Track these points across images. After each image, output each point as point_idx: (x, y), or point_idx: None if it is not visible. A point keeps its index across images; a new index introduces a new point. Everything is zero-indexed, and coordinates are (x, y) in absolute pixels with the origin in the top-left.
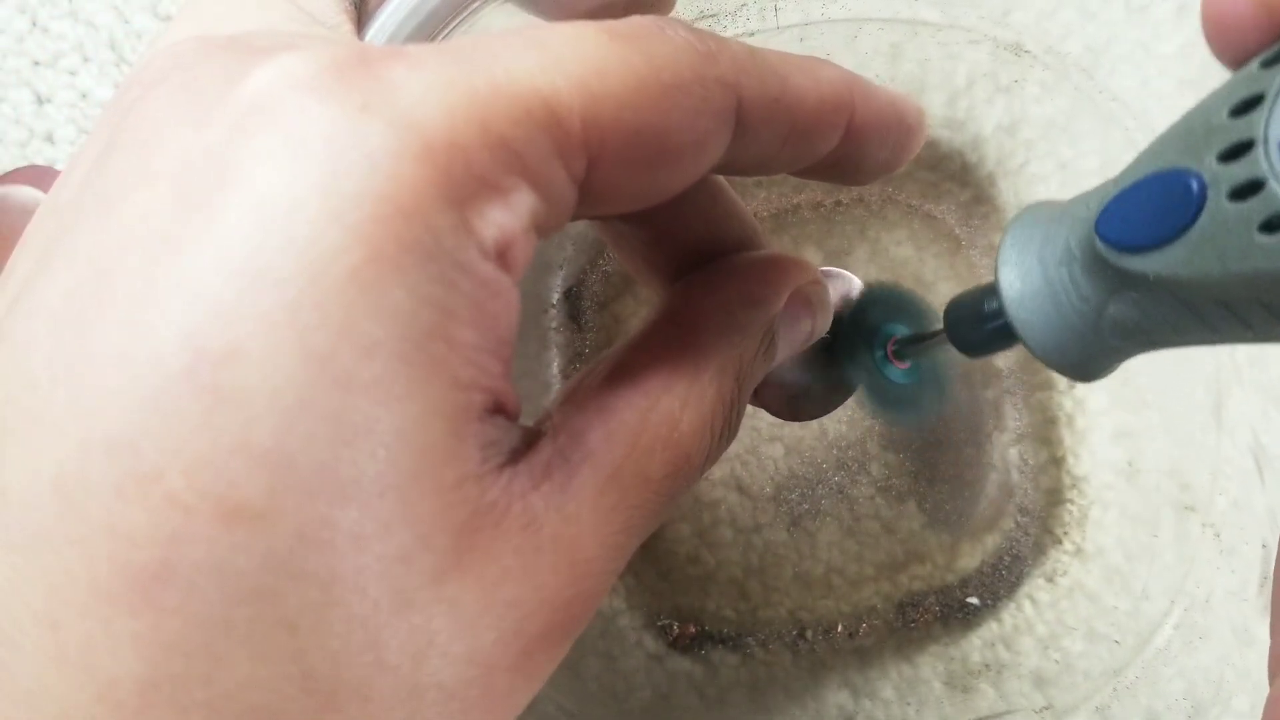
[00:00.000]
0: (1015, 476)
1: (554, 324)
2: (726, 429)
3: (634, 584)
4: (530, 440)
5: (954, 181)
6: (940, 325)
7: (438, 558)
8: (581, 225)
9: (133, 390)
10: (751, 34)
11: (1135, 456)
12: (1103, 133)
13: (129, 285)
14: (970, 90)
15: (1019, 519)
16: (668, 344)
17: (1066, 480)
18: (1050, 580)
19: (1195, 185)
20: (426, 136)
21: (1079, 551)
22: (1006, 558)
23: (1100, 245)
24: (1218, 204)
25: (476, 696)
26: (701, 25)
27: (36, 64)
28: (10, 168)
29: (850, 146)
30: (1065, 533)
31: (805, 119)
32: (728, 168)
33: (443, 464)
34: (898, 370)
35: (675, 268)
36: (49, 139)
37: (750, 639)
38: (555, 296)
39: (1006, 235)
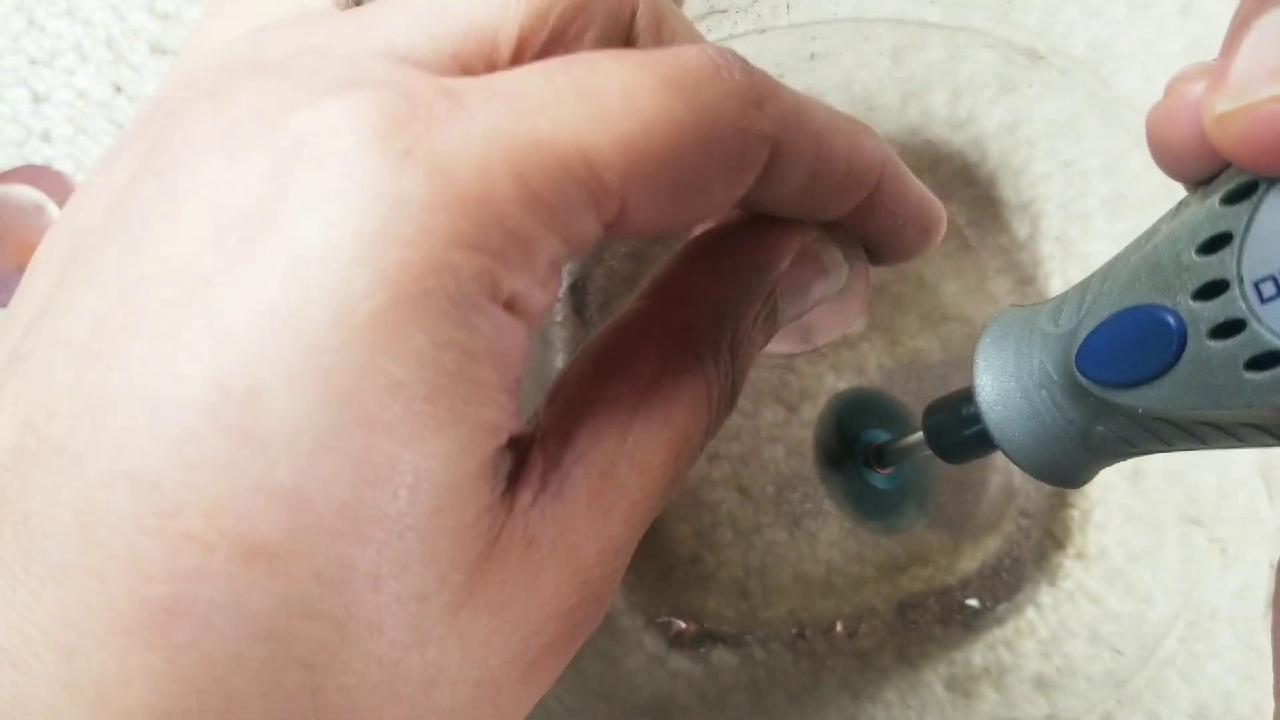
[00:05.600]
0: (1017, 479)
1: (558, 319)
2: (726, 400)
3: (634, 584)
4: (522, 454)
5: (959, 181)
6: (917, 428)
7: (453, 594)
8: None
9: (157, 428)
10: (762, 30)
11: (1139, 460)
12: (1106, 131)
13: (157, 320)
14: (973, 89)
15: (1020, 521)
16: (654, 324)
17: None
18: (1052, 584)
19: (1173, 322)
20: (461, 187)
21: (1081, 555)
22: (1007, 560)
23: (1083, 380)
24: (1199, 342)
25: (482, 714)
26: (711, 20)
27: (34, 62)
28: (7, 167)
29: (861, 218)
30: (1067, 536)
31: (827, 183)
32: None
33: (464, 501)
34: (880, 477)
35: None
36: (46, 138)
37: (750, 638)
38: (560, 292)
39: (979, 355)
